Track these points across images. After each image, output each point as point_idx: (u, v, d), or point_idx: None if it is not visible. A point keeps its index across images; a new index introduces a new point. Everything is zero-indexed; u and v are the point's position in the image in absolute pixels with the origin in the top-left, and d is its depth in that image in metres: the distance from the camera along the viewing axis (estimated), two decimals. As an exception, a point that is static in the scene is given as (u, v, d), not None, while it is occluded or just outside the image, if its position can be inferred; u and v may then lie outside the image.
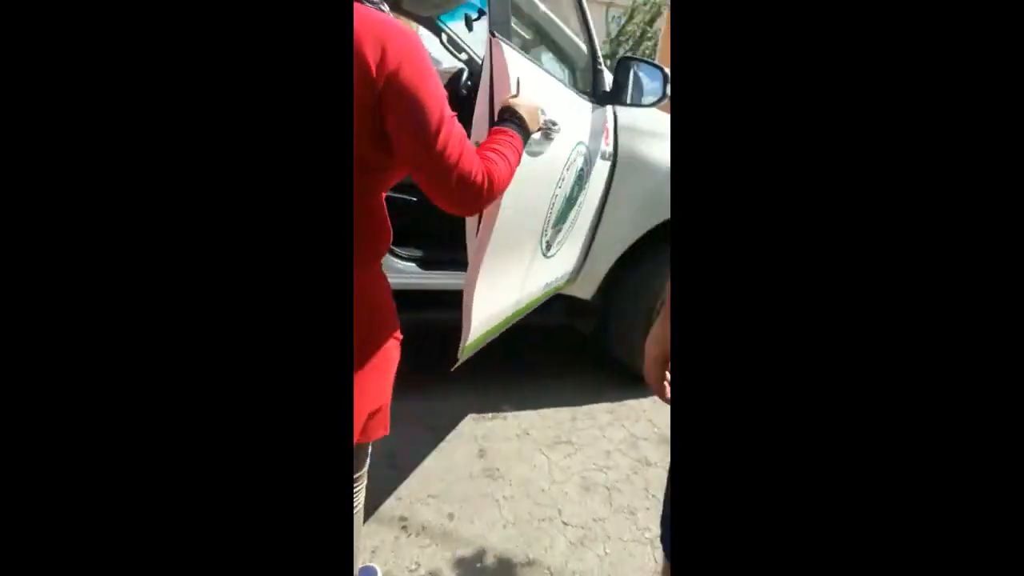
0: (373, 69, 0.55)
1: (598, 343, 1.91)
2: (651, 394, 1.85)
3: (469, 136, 0.66)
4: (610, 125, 1.52)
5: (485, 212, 0.90)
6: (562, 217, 1.30)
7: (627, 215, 1.63)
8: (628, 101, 1.43)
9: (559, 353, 2.13)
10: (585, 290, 1.72)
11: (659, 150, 1.63)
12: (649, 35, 7.57)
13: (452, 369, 1.14)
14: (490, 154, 0.68)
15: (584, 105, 1.32)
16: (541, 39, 1.69)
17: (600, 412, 1.75)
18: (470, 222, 0.97)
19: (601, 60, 1.47)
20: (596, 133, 1.39)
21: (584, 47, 1.53)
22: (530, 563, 1.14)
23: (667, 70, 1.48)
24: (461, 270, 1.27)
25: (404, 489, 1.31)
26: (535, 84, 0.97)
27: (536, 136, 0.93)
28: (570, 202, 1.32)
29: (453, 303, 1.50)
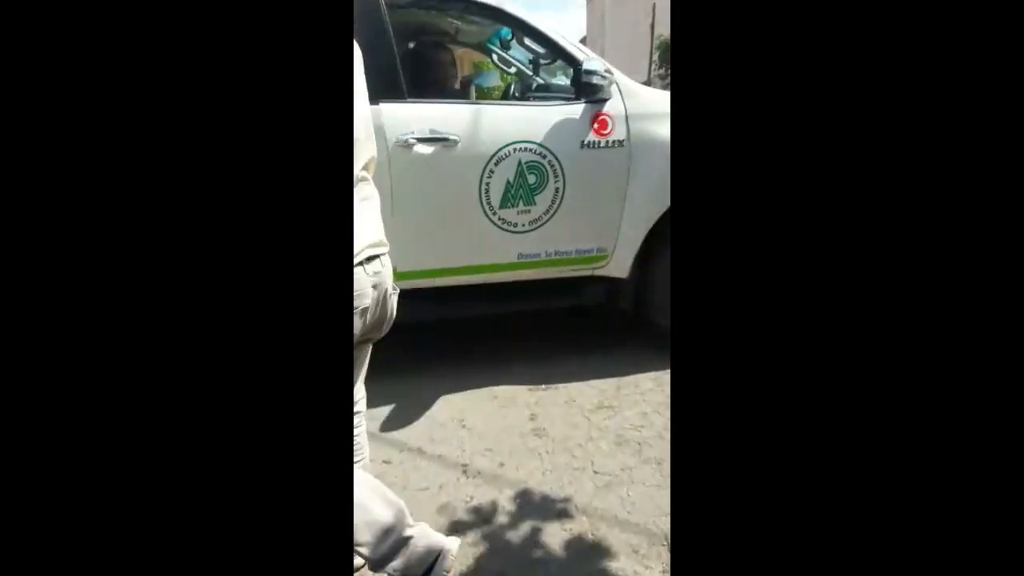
0: None
1: (640, 317, 2.07)
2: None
3: None
4: (614, 115, 1.72)
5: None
6: (515, 200, 1.70)
7: (647, 196, 1.79)
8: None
9: (605, 331, 2.32)
10: (621, 269, 1.91)
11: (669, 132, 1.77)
12: None
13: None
14: None
15: (524, 112, 1.76)
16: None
17: (644, 380, 1.93)
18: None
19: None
20: (559, 128, 1.73)
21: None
22: (563, 500, 1.40)
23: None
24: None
25: (467, 443, 1.64)
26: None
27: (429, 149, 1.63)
28: (527, 188, 1.71)
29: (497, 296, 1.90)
